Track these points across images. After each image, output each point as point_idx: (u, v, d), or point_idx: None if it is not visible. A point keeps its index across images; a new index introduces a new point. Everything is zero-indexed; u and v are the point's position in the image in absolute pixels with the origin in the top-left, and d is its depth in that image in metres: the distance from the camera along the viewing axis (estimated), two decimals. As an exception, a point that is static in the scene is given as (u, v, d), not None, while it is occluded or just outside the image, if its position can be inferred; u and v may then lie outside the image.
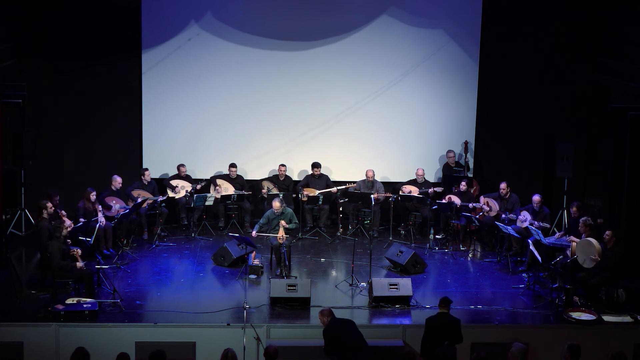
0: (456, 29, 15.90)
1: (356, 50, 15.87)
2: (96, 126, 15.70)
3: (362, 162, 15.91)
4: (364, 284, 12.50)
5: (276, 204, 13.38)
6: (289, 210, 13.55)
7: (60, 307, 10.99)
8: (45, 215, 12.57)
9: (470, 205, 14.70)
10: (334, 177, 16.03)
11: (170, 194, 15.30)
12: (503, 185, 14.39)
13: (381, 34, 15.86)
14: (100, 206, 13.72)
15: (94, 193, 13.74)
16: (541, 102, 16.03)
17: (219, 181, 15.59)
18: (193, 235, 15.02)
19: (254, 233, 13.28)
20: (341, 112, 16.08)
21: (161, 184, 15.49)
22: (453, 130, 16.15)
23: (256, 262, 13.13)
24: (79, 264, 11.75)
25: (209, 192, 15.33)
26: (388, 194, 15.17)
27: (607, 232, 12.07)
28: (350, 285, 12.57)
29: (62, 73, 15.48)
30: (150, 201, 14.67)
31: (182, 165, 15.58)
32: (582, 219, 12.59)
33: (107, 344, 10.49)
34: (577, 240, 12.39)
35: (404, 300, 11.79)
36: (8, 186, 13.80)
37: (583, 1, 15.61)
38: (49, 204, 12.69)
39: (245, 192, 15.44)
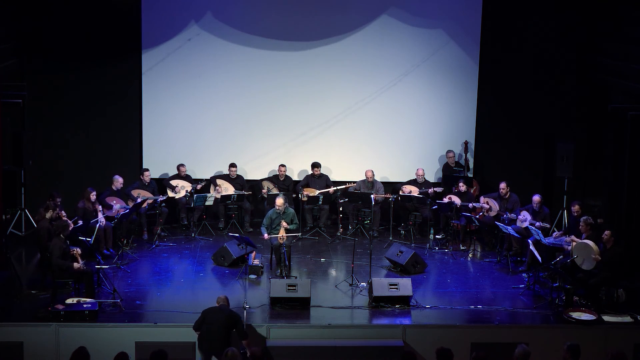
0: (456, 29, 15.90)
1: (356, 50, 15.87)
2: (96, 126, 15.69)
3: (362, 162, 15.90)
4: (364, 284, 12.50)
5: (280, 200, 13.36)
6: (291, 210, 13.54)
7: (60, 307, 10.99)
8: (47, 215, 12.57)
9: (470, 205, 14.70)
10: (334, 177, 16.03)
11: (170, 194, 15.30)
12: (503, 185, 14.38)
13: (381, 34, 15.86)
14: (100, 206, 13.72)
15: (94, 193, 13.74)
16: (541, 102, 16.02)
17: (219, 181, 15.60)
18: (193, 235, 15.02)
19: (265, 236, 13.24)
20: (341, 112, 16.08)
21: (161, 184, 15.50)
22: (453, 130, 16.15)
23: (256, 262, 13.13)
24: (77, 264, 11.74)
25: (209, 192, 15.33)
26: (387, 195, 15.17)
27: (606, 232, 12.07)
28: (350, 285, 12.56)
29: (62, 73, 15.48)
30: (150, 201, 14.67)
31: (182, 165, 15.59)
32: (583, 218, 12.59)
33: (107, 344, 10.48)
34: (577, 240, 12.38)
35: (404, 300, 11.79)
36: (8, 186, 13.81)
37: (583, 1, 15.61)
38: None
39: (245, 192, 15.44)
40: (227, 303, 10.49)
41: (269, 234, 13.21)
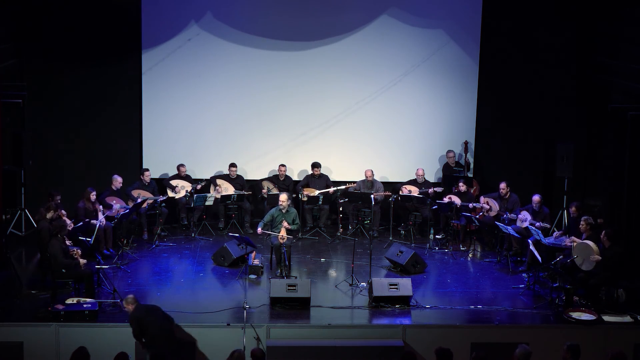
0: (456, 29, 15.91)
1: (356, 50, 15.88)
2: (96, 126, 15.70)
3: (362, 162, 15.91)
4: (364, 284, 12.49)
5: (283, 196, 13.34)
6: (294, 210, 13.52)
7: (60, 307, 10.99)
8: (48, 215, 12.57)
9: (470, 205, 14.70)
10: (334, 177, 16.04)
11: (170, 194, 15.31)
12: (503, 185, 14.38)
13: (381, 34, 15.86)
14: (100, 206, 13.73)
15: (94, 193, 13.74)
16: (541, 102, 16.03)
17: (219, 181, 15.60)
18: (193, 235, 15.03)
19: (259, 230, 13.23)
20: (341, 112, 16.08)
21: (161, 184, 15.50)
22: (453, 130, 16.16)
23: (256, 262, 13.13)
24: (82, 260, 11.78)
25: (209, 192, 15.34)
26: (387, 193, 15.17)
27: (602, 233, 12.07)
28: (350, 285, 12.56)
29: (62, 73, 15.49)
30: (151, 201, 14.67)
31: (182, 165, 15.59)
32: (584, 217, 12.57)
33: (107, 344, 10.48)
34: (578, 240, 12.38)
35: (404, 300, 11.78)
36: (8, 186, 13.81)
37: (583, 1, 15.61)
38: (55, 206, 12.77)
39: (245, 192, 15.44)
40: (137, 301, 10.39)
41: (265, 230, 13.18)
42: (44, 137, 15.45)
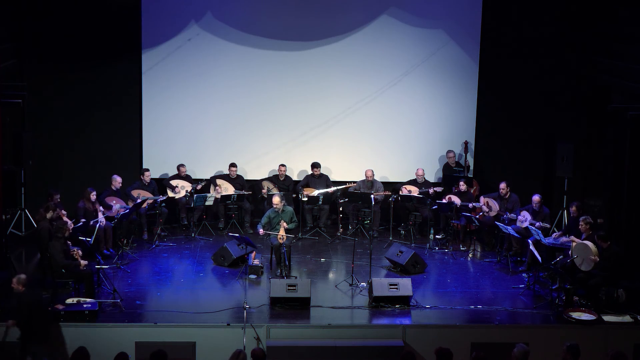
0: (456, 29, 15.90)
1: (356, 50, 15.87)
2: (96, 126, 15.69)
3: (362, 162, 15.91)
4: (364, 284, 12.50)
5: (276, 198, 13.39)
6: (290, 208, 13.55)
7: (60, 307, 10.98)
8: (48, 216, 12.56)
9: (470, 205, 14.70)
10: (334, 177, 16.03)
11: (170, 194, 15.30)
12: (503, 185, 14.38)
13: (381, 34, 15.86)
14: (100, 206, 13.72)
15: (94, 193, 13.74)
16: (541, 102, 16.03)
17: (219, 181, 15.60)
18: (193, 235, 15.02)
19: (261, 231, 13.24)
20: (341, 112, 16.08)
21: (161, 184, 15.50)
22: (453, 130, 16.16)
23: (256, 262, 13.13)
24: (83, 262, 11.77)
25: (209, 192, 15.33)
26: (387, 193, 15.18)
27: (595, 236, 12.06)
28: (350, 285, 12.57)
29: (62, 73, 15.48)
30: (150, 201, 14.67)
31: (182, 165, 15.59)
32: (582, 217, 12.58)
33: (107, 344, 10.48)
34: (577, 240, 12.38)
35: (404, 300, 11.79)
36: (8, 186, 13.81)
37: (583, 1, 15.61)
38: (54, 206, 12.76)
39: (245, 192, 15.44)
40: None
41: (265, 231, 13.20)
42: (44, 137, 15.43)
